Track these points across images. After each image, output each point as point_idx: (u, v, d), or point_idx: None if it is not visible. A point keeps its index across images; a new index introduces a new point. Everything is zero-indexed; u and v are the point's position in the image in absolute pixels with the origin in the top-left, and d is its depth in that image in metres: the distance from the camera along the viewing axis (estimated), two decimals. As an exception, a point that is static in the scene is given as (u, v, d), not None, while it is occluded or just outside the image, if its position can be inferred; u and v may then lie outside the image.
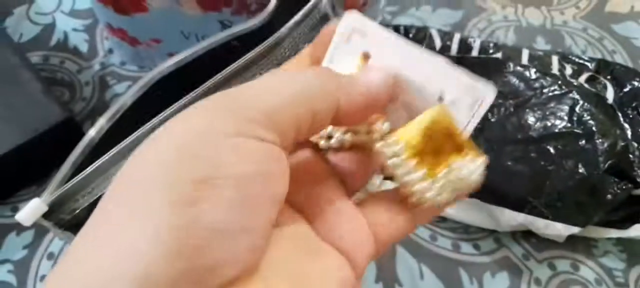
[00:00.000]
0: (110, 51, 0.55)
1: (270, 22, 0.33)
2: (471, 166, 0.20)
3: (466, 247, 0.43)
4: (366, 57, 0.21)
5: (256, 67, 0.31)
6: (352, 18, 0.21)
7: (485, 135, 0.41)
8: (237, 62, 0.31)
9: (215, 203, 0.14)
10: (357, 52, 0.21)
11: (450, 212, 0.43)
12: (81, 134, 0.47)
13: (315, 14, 0.33)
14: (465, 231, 0.44)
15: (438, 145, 0.19)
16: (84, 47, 0.55)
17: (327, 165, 0.21)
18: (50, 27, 0.57)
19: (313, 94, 0.17)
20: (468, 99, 0.20)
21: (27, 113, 0.44)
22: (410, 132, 0.19)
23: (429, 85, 0.20)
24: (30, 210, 0.28)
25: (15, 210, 0.44)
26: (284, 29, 0.32)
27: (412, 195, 0.19)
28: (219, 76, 0.31)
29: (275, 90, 0.17)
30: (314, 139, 0.21)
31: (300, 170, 0.20)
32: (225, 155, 0.15)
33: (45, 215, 0.28)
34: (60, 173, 0.29)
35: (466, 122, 0.21)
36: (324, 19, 0.34)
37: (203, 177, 0.14)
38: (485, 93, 0.20)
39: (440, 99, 0.20)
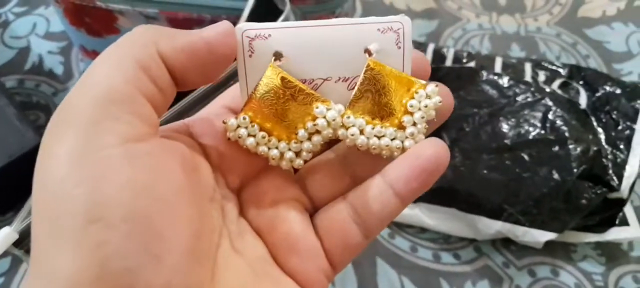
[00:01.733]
0: (87, 73, 0.55)
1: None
2: (427, 97, 0.21)
3: (447, 257, 0.43)
4: (278, 56, 0.20)
5: (220, 91, 0.31)
6: (243, 32, 0.19)
7: (461, 145, 0.42)
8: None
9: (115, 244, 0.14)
10: (267, 59, 0.20)
11: (430, 222, 0.43)
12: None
13: None
14: (445, 241, 0.44)
15: (388, 99, 0.20)
16: (59, 70, 0.55)
17: (293, 187, 0.21)
18: (25, 51, 0.56)
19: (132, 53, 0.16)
20: (390, 38, 0.20)
21: (1, 139, 0.43)
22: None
23: (352, 48, 0.20)
24: (1, 239, 0.27)
25: (-9, 238, 0.44)
26: None
27: (388, 151, 0.20)
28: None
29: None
30: (276, 163, 0.21)
31: (263, 196, 0.20)
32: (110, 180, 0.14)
33: (16, 243, 0.28)
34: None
35: (400, 59, 0.21)
36: None
37: (92, 218, 0.14)
38: (401, 23, 0.20)
39: (368, 53, 0.20)
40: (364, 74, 0.20)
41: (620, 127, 0.43)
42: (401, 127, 0.20)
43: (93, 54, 0.48)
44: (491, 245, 0.44)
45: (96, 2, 0.40)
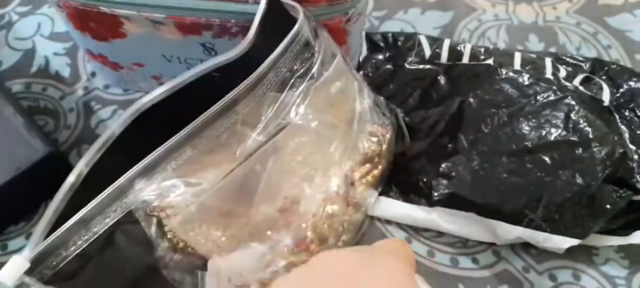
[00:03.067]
0: (93, 74, 0.54)
1: (250, 52, 0.32)
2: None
3: (465, 262, 0.42)
4: None
5: (241, 104, 0.30)
6: None
7: (479, 147, 0.40)
8: (222, 100, 0.30)
9: None
10: None
11: (448, 227, 0.42)
12: (67, 165, 0.47)
13: (297, 43, 0.32)
14: (463, 245, 0.43)
15: None
16: (66, 72, 0.54)
17: None
18: (30, 53, 0.55)
19: None
20: None
21: (9, 151, 0.42)
22: None
23: None
24: (12, 268, 0.27)
25: (5, 248, 0.43)
26: (266, 63, 0.31)
27: None
28: (204, 116, 0.30)
29: None
30: None
31: None
32: None
33: (28, 272, 0.28)
34: (40, 226, 0.28)
35: None
36: (306, 46, 0.33)
37: None
38: None
39: None
40: None
41: (645, 125, 0.41)
42: None
43: (100, 57, 0.47)
44: (510, 249, 0.42)
45: (100, 8, 0.39)
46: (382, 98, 0.44)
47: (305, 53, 0.33)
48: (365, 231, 0.43)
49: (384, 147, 0.41)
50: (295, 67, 0.32)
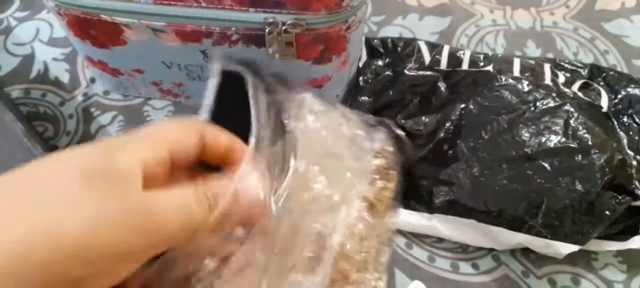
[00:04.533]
0: (93, 80, 0.53)
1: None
2: None
3: (465, 267, 0.42)
4: None
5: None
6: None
7: (479, 154, 0.41)
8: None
9: None
10: None
11: (447, 233, 0.42)
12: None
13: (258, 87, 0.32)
14: (463, 251, 0.43)
15: None
16: (65, 78, 0.54)
17: None
18: (29, 58, 0.55)
19: None
20: None
21: (8, 157, 0.42)
22: None
23: None
24: None
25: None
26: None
27: None
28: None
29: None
30: None
31: None
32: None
33: None
34: None
35: None
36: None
37: None
38: None
39: None
40: None
41: (643, 132, 0.41)
42: None
43: (100, 64, 0.46)
44: (510, 254, 0.43)
45: (101, 16, 0.39)
46: (370, 115, 0.44)
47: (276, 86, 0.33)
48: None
49: (390, 158, 0.41)
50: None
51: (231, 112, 0.32)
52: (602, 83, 0.45)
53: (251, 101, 0.31)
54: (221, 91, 0.34)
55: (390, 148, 0.42)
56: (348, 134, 0.38)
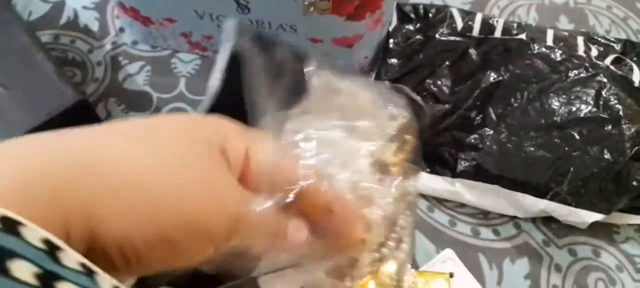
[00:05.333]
0: (122, 30, 0.54)
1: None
2: None
3: (486, 233, 0.43)
4: None
5: None
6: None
7: (508, 121, 0.41)
8: None
9: None
10: None
11: (470, 198, 0.42)
12: (94, 116, 0.47)
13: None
14: (484, 217, 0.43)
15: None
16: (94, 26, 0.54)
17: None
18: (59, 5, 0.55)
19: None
20: None
21: (40, 96, 0.43)
22: None
23: None
24: None
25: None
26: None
27: None
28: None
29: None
30: None
31: None
32: None
33: None
34: None
35: None
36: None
37: None
38: None
39: None
40: None
41: (675, 108, 0.41)
42: None
43: (131, 11, 0.47)
44: (531, 223, 0.43)
45: (139, -42, 0.39)
46: (386, 82, 0.44)
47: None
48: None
49: (406, 123, 0.41)
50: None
51: (238, 92, 0.31)
52: (635, 59, 0.45)
53: (251, 85, 0.31)
54: (230, 70, 0.33)
55: (406, 113, 0.42)
56: (361, 100, 0.38)
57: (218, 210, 0.18)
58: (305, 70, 0.34)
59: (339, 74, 0.38)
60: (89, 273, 0.15)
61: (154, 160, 0.18)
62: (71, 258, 0.14)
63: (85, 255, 0.15)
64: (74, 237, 0.16)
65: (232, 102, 0.29)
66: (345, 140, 0.33)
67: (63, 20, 0.54)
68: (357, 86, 0.39)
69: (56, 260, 0.14)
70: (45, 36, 0.53)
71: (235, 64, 0.33)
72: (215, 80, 0.32)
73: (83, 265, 0.15)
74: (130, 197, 0.17)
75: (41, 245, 0.14)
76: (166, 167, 0.18)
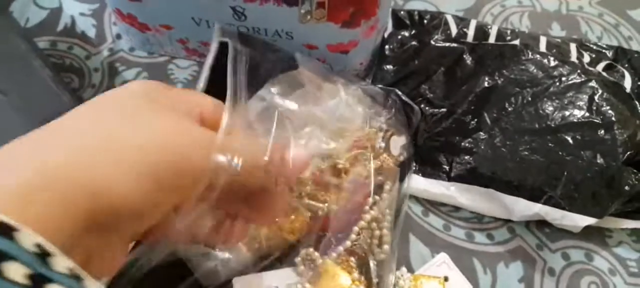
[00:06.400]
0: (119, 36, 0.54)
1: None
2: None
3: (480, 237, 0.43)
4: None
5: None
6: None
7: (502, 125, 0.41)
8: None
9: None
10: None
11: (464, 202, 0.43)
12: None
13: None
14: (479, 221, 0.44)
15: None
16: (91, 33, 0.54)
17: None
18: (56, 11, 0.56)
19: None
20: None
21: (37, 102, 0.43)
22: None
23: None
24: None
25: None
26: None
27: None
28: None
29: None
30: None
31: None
32: None
33: None
34: None
35: None
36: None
37: None
38: None
39: None
40: None
41: (666, 113, 0.42)
42: None
43: (129, 18, 0.47)
44: (525, 227, 0.43)
45: (137, -35, 0.40)
46: (378, 86, 0.44)
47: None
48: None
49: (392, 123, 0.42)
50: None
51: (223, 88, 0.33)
52: (626, 65, 0.46)
53: (229, 65, 0.32)
54: (218, 61, 0.34)
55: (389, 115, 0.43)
56: (343, 101, 0.39)
57: (196, 149, 0.21)
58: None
59: (324, 74, 0.39)
60: (77, 278, 0.16)
61: (151, 134, 0.20)
62: (61, 263, 0.16)
63: (87, 230, 0.17)
64: (74, 212, 0.17)
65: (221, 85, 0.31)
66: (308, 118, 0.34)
67: (60, 27, 0.54)
68: (340, 88, 0.40)
69: (47, 264, 0.15)
70: (43, 43, 0.53)
71: (220, 64, 0.34)
72: (202, 80, 0.34)
73: (71, 270, 0.16)
74: (128, 161, 0.19)
75: (34, 249, 0.15)
76: (157, 133, 0.20)
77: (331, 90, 0.39)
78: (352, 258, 0.36)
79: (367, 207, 0.38)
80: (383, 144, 0.42)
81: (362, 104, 0.41)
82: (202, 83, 0.37)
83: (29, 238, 0.15)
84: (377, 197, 0.39)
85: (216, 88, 0.32)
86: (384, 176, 0.41)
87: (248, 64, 0.33)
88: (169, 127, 0.20)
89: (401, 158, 0.42)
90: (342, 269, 0.35)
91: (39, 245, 0.15)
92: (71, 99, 0.44)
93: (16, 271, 0.14)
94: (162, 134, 0.20)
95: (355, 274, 0.35)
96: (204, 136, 0.22)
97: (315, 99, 0.37)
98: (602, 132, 0.39)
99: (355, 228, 0.37)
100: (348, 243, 0.36)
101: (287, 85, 0.37)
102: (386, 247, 0.38)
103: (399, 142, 0.43)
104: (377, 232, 0.38)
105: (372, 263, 0.36)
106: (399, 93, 0.43)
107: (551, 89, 0.41)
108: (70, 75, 0.51)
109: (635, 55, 0.46)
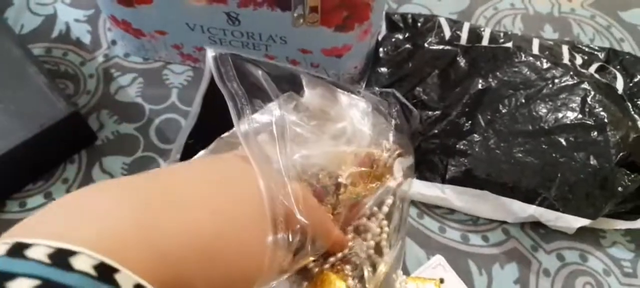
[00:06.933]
0: (114, 42, 0.54)
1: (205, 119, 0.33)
2: None
3: (475, 239, 0.43)
4: None
5: None
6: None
7: (496, 127, 0.41)
8: None
9: None
10: None
11: (459, 204, 0.43)
12: (86, 128, 0.48)
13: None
14: (474, 223, 0.44)
15: None
16: (86, 39, 0.54)
17: None
18: (51, 18, 0.56)
19: None
20: None
21: (32, 108, 0.43)
22: None
23: None
24: None
25: (23, 205, 0.44)
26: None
27: None
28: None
29: None
30: None
31: None
32: None
33: None
34: None
35: None
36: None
37: None
38: None
39: None
40: None
41: (658, 114, 0.42)
42: None
43: (123, 24, 0.47)
44: (520, 228, 0.44)
45: (130, -29, 0.40)
46: (375, 88, 0.45)
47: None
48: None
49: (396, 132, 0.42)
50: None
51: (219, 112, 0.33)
52: (618, 67, 0.46)
53: (215, 74, 0.32)
54: (209, 95, 0.34)
55: (390, 148, 0.42)
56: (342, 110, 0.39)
57: (258, 266, 0.23)
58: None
59: (330, 94, 0.39)
60: None
61: (237, 243, 0.22)
62: None
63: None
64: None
65: (211, 124, 0.31)
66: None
67: (55, 33, 0.54)
68: (339, 96, 0.40)
69: None
70: (37, 49, 0.53)
71: (214, 89, 0.34)
72: (196, 105, 0.34)
73: None
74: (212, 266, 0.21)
75: None
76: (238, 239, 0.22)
77: (338, 113, 0.39)
78: (348, 266, 0.36)
79: (364, 219, 0.38)
80: (389, 161, 0.42)
81: (370, 121, 0.41)
82: (194, 109, 0.37)
83: (129, 280, 0.16)
84: (376, 209, 0.39)
85: (209, 112, 0.33)
86: (385, 193, 0.41)
87: (240, 72, 0.33)
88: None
89: (406, 179, 0.42)
90: (338, 277, 0.35)
91: (138, 285, 0.16)
92: (66, 105, 0.44)
93: None
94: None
95: (350, 282, 0.35)
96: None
97: (321, 125, 0.37)
98: (595, 133, 0.39)
99: (349, 236, 0.37)
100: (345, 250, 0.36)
101: (292, 108, 0.36)
102: (386, 257, 0.38)
103: (405, 163, 0.43)
104: (371, 242, 0.38)
105: (366, 272, 0.36)
106: (398, 94, 0.44)
107: (544, 91, 0.42)
108: (65, 82, 0.51)
109: (627, 56, 0.47)
